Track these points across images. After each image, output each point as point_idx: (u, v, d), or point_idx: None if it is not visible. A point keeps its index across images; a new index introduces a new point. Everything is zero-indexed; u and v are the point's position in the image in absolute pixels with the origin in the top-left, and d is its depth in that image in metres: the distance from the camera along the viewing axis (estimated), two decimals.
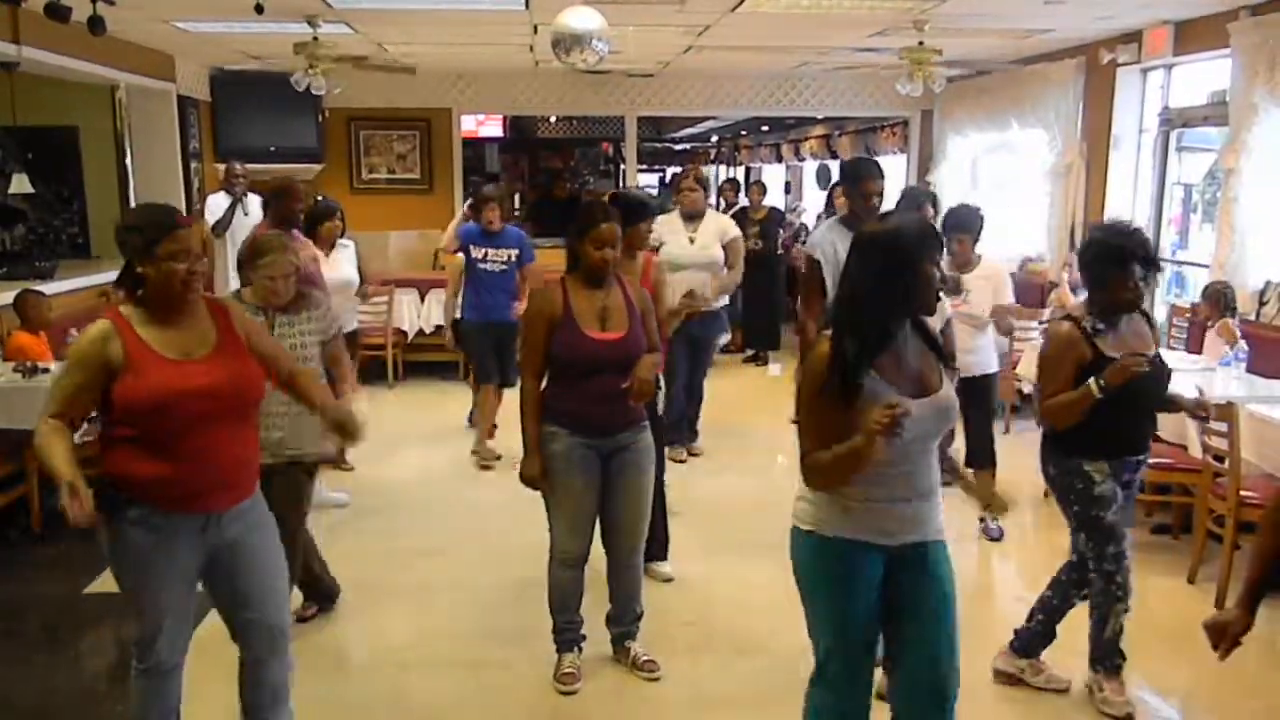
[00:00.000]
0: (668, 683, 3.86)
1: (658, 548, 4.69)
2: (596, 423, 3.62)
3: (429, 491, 6.15)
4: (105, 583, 4.79)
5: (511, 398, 6.49)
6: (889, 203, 4.85)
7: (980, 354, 5.27)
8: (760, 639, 4.18)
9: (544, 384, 3.68)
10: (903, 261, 2.49)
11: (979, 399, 5.16)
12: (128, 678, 3.96)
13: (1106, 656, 3.65)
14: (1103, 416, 3.40)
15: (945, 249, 5.22)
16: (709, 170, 22.66)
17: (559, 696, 3.77)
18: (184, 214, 2.75)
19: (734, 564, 4.95)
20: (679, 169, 10.39)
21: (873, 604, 2.63)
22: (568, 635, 3.88)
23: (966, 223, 5.26)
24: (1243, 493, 4.39)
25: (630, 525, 3.80)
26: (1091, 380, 3.34)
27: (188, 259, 2.68)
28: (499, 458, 6.57)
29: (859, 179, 4.62)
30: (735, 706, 3.76)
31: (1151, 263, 3.48)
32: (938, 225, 4.94)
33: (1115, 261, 3.40)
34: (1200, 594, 4.59)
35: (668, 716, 3.72)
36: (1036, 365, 3.72)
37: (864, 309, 2.51)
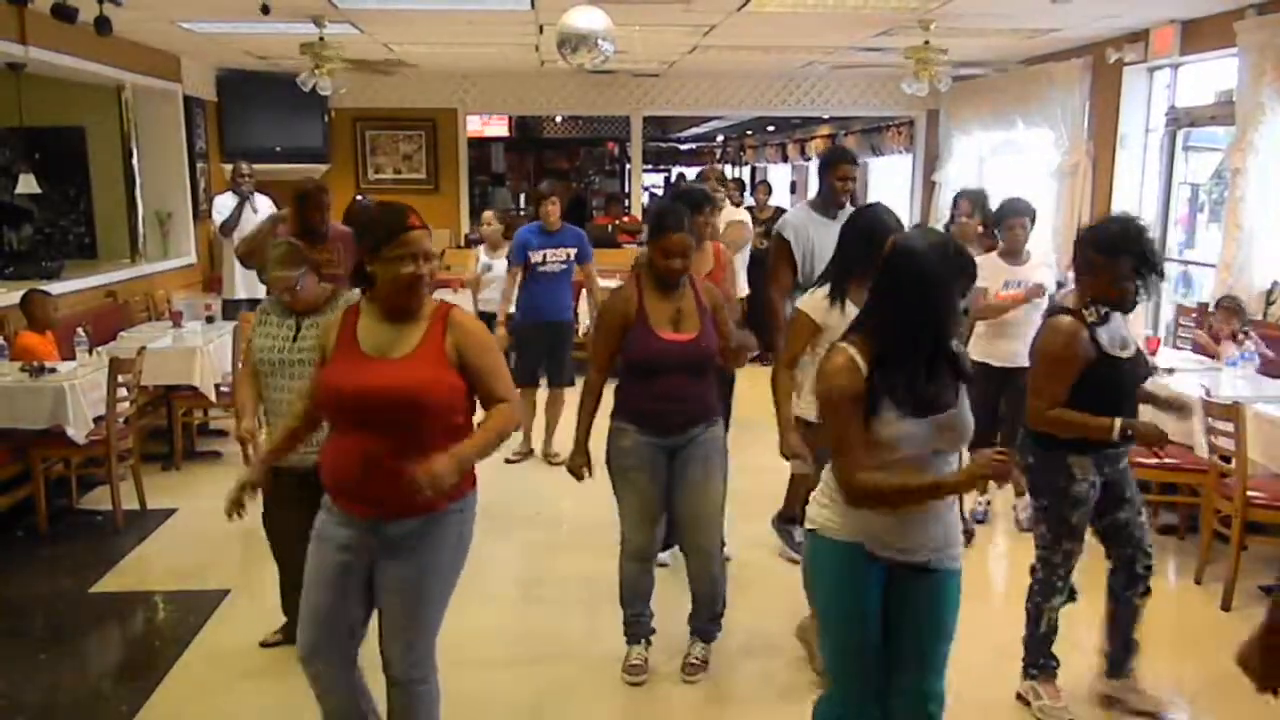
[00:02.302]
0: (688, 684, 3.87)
1: None
2: (665, 421, 3.67)
3: None
4: (110, 582, 4.84)
5: (575, 396, 6.62)
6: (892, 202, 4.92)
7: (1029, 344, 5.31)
8: (765, 634, 4.20)
9: (617, 382, 3.76)
10: (938, 286, 2.48)
11: (1022, 389, 5.22)
12: (132, 677, 4.01)
13: (1039, 657, 3.59)
14: (1085, 412, 3.31)
15: (999, 238, 5.29)
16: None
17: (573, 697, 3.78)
18: (417, 217, 2.68)
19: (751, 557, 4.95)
20: (684, 169, 10.40)
21: (877, 613, 2.62)
22: (636, 628, 3.92)
23: (1023, 208, 5.27)
24: (1249, 493, 4.37)
25: (693, 519, 3.80)
26: (1119, 424, 3.23)
27: (413, 263, 2.64)
28: (531, 453, 6.75)
29: (833, 165, 4.79)
30: (744, 704, 3.77)
31: (1147, 262, 3.27)
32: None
33: (1105, 249, 3.27)
34: (1206, 595, 4.57)
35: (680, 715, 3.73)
36: (1033, 359, 3.49)
37: (921, 327, 2.50)
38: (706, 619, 3.96)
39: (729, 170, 21.64)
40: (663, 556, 4.80)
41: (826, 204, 4.80)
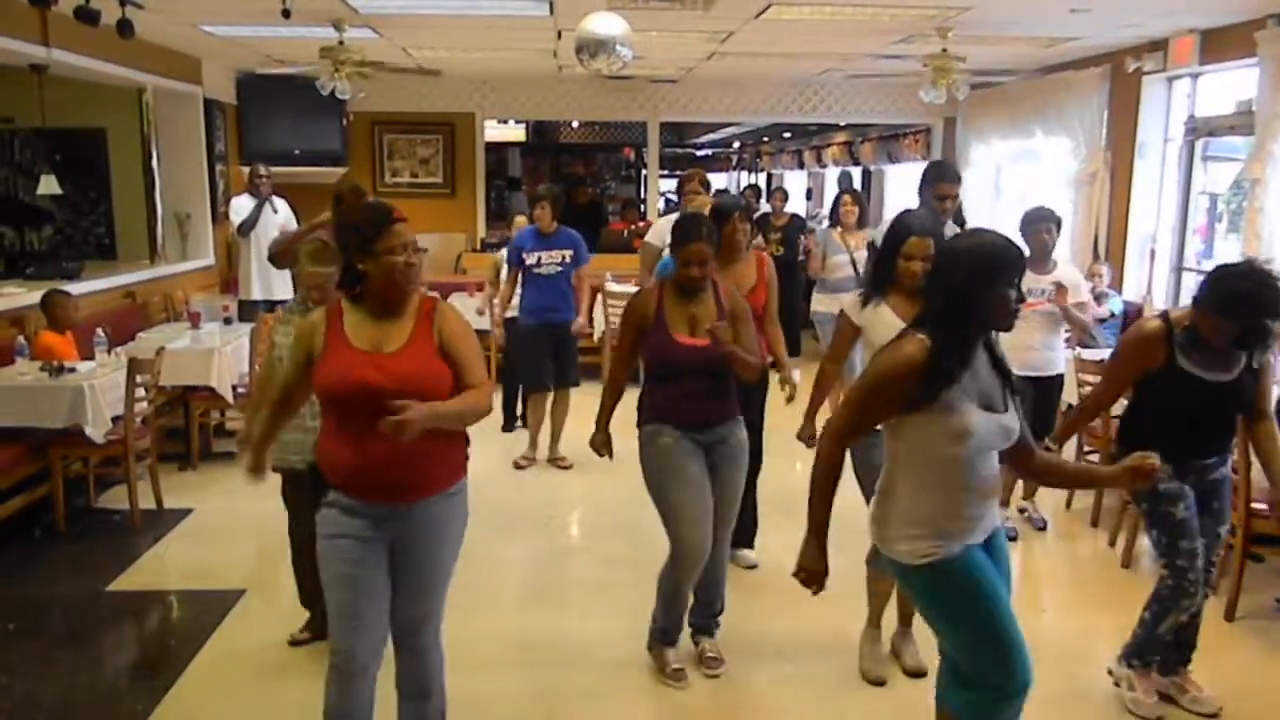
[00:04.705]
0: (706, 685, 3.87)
1: (744, 535, 4.78)
2: (693, 418, 3.76)
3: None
4: (127, 581, 4.87)
5: (579, 396, 6.62)
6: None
7: (1055, 352, 5.32)
8: (775, 642, 4.20)
9: (640, 389, 3.91)
10: (997, 275, 2.57)
11: (1046, 396, 5.27)
12: (148, 676, 4.04)
13: (1147, 652, 3.65)
14: (1152, 420, 3.47)
15: (1026, 245, 5.18)
16: (731, 176, 22.67)
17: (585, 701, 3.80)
18: (399, 211, 2.85)
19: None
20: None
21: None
22: (674, 633, 3.94)
23: (1045, 214, 5.28)
24: (1253, 504, 4.34)
25: (719, 514, 3.85)
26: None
27: (405, 251, 2.78)
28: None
29: (930, 183, 4.80)
30: (756, 711, 3.77)
31: (1256, 334, 3.31)
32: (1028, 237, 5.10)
33: (1221, 302, 3.32)
34: (1210, 605, 4.53)
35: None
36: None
37: (966, 318, 2.58)
38: (708, 615, 4.03)
39: (745, 177, 21.67)
40: (749, 556, 4.93)
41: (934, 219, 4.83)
